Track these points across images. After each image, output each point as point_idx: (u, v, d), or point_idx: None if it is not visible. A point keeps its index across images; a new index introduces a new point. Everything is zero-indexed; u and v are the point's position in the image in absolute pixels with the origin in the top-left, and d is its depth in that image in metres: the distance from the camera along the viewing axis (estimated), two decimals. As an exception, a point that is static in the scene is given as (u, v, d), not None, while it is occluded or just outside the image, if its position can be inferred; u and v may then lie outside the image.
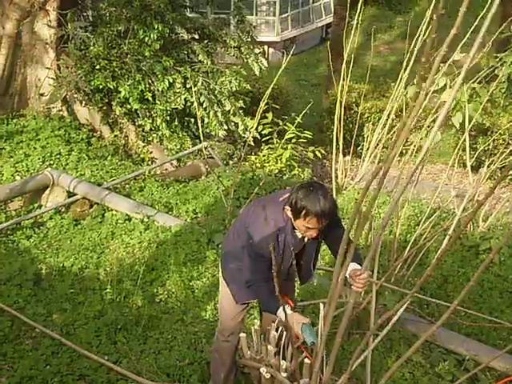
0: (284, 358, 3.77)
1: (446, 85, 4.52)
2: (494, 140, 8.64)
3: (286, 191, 3.69)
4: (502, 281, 6.39)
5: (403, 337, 5.21)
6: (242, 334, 3.92)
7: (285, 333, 3.76)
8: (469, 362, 4.82)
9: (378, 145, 8.49)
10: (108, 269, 6.10)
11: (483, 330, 5.55)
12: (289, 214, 3.46)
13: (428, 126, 5.46)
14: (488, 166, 7.05)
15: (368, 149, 9.13)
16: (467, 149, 5.58)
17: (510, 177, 8.67)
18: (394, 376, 4.68)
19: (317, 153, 9.18)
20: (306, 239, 3.64)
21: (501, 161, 6.31)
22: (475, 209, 2.75)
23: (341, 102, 6.54)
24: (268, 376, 3.67)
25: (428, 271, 2.65)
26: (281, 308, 3.52)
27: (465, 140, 5.40)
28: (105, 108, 9.19)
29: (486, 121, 9.05)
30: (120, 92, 8.54)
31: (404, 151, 5.36)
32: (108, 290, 5.56)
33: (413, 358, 4.88)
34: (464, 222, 6.77)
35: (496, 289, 6.23)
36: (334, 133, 5.53)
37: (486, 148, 8.46)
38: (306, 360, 3.62)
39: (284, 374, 3.63)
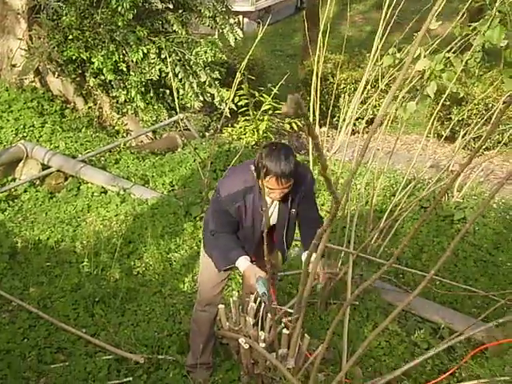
0: (262, 329, 3.80)
1: (420, 54, 4.51)
2: (468, 110, 8.69)
3: None
4: (477, 250, 6.48)
5: (379, 306, 5.27)
6: (221, 306, 3.93)
7: (263, 304, 3.78)
8: (444, 330, 4.90)
9: (353, 116, 8.48)
10: (85, 242, 6.06)
11: (458, 299, 5.64)
12: (254, 173, 3.44)
13: (403, 97, 5.46)
14: (463, 137, 7.10)
15: (344, 120, 9.12)
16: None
17: (484, 146, 8.73)
18: (371, 345, 4.74)
19: (293, 125, 9.15)
20: (275, 204, 3.62)
21: (475, 131, 6.33)
22: (452, 179, 2.77)
23: (317, 73, 6.48)
24: (247, 346, 3.70)
25: (405, 241, 2.68)
26: (240, 258, 3.59)
27: (439, 110, 5.42)
28: (78, 79, 9.05)
29: (461, 91, 9.06)
30: (93, 63, 8.40)
31: (380, 121, 5.35)
32: (85, 263, 5.53)
33: (389, 327, 4.95)
34: (440, 193, 6.84)
35: (470, 258, 6.32)
36: (311, 104, 5.49)
37: (461, 118, 8.50)
38: (285, 330, 3.65)
39: (262, 345, 3.66)
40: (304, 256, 3.78)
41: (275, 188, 3.36)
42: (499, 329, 4.79)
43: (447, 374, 4.29)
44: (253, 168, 3.43)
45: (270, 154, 3.30)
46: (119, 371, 4.34)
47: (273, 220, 3.75)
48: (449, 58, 4.89)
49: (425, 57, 4.67)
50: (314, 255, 3.53)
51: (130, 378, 4.25)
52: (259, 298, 3.73)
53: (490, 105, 8.96)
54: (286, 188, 3.40)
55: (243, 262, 3.60)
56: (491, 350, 4.48)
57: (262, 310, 3.83)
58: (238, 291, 4.56)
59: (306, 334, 3.73)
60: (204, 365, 4.25)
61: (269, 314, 3.71)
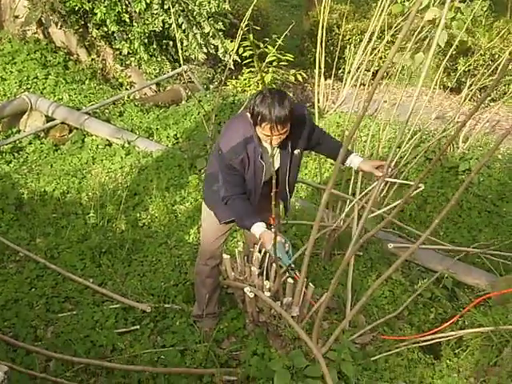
0: (267, 279, 3.84)
1: (429, 3, 4.45)
2: (474, 60, 8.60)
3: None
4: (481, 201, 6.50)
5: (383, 256, 5.31)
6: (226, 256, 3.97)
7: (268, 254, 3.81)
8: (447, 279, 4.94)
9: (359, 67, 8.42)
10: (90, 194, 6.09)
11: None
12: (250, 120, 3.38)
13: (411, 48, 5.40)
14: (469, 87, 7.05)
15: (349, 72, 9.05)
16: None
17: (489, 98, 8.67)
18: (375, 294, 4.79)
19: (298, 76, 9.07)
20: (275, 151, 3.55)
21: (481, 82, 6.28)
22: (458, 128, 2.77)
23: (322, 24, 6.42)
24: (252, 296, 3.75)
25: (404, 199, 2.68)
26: (255, 224, 3.51)
27: (446, 61, 5.35)
28: (81, 30, 8.94)
29: (469, 40, 8.97)
30: (96, 14, 8.29)
31: (386, 73, 5.32)
32: (91, 215, 5.56)
33: (392, 277, 5.00)
34: (445, 143, 6.82)
35: (475, 208, 6.34)
36: (317, 55, 5.44)
37: (467, 69, 8.43)
38: (290, 280, 3.69)
39: (267, 294, 3.71)
40: (352, 161, 3.84)
41: (271, 135, 3.26)
42: (502, 278, 4.85)
43: (450, 322, 4.34)
44: (249, 115, 3.36)
45: (263, 101, 3.23)
46: (126, 320, 4.41)
47: (276, 165, 3.67)
48: (459, 7, 4.82)
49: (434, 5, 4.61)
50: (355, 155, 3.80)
51: (138, 327, 4.32)
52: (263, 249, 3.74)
53: (497, 55, 8.84)
54: (282, 134, 3.35)
55: (258, 228, 3.52)
56: (494, 299, 4.53)
57: (266, 260, 3.87)
58: (243, 242, 4.59)
59: (310, 283, 3.77)
60: (210, 315, 4.31)
61: (273, 265, 3.75)
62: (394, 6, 4.82)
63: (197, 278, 4.28)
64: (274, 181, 3.12)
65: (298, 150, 3.63)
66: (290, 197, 3.91)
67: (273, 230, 3.48)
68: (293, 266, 3.56)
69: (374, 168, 3.74)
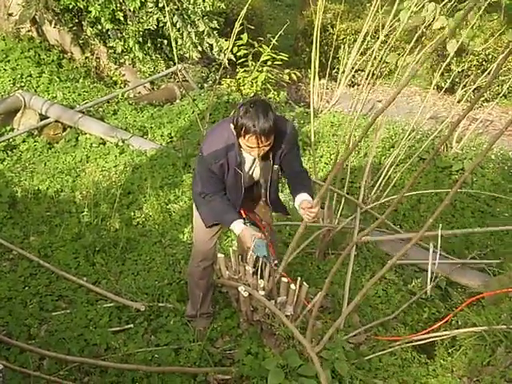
0: (261, 278, 3.84)
1: (435, 10, 4.47)
2: (468, 61, 8.62)
3: None
4: (474, 201, 6.52)
5: (377, 256, 5.32)
6: (220, 255, 3.97)
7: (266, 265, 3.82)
8: (441, 279, 4.95)
9: (353, 68, 8.43)
10: (84, 192, 6.08)
11: (455, 249, 5.69)
12: (234, 131, 3.38)
13: (403, 48, 5.42)
14: (462, 88, 7.06)
15: (343, 72, 9.06)
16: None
17: (483, 98, 8.69)
18: (369, 293, 4.80)
19: (292, 75, 9.07)
20: (256, 161, 3.55)
21: (476, 82, 6.30)
22: (452, 128, 2.78)
23: (317, 24, 6.39)
24: (246, 294, 3.75)
25: (397, 199, 2.69)
26: (235, 221, 3.58)
27: (439, 62, 5.36)
28: (75, 29, 8.93)
29: (472, 44, 8.98)
30: (90, 12, 8.27)
31: (380, 73, 5.33)
32: (85, 213, 5.55)
33: (386, 276, 5.01)
34: (439, 143, 6.85)
35: (468, 208, 6.36)
36: (313, 54, 5.44)
37: (461, 69, 8.44)
38: (284, 279, 3.69)
39: (262, 293, 3.71)
40: (298, 201, 3.58)
41: (255, 146, 3.29)
42: (495, 278, 4.87)
43: (443, 321, 4.36)
44: (232, 126, 3.35)
45: (247, 112, 3.22)
46: (120, 318, 4.40)
47: (255, 176, 3.73)
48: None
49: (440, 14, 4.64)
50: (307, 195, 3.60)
51: (132, 325, 4.32)
52: (260, 259, 3.76)
53: (490, 56, 8.87)
54: (266, 146, 3.34)
55: (238, 226, 3.59)
56: (487, 298, 4.54)
57: (260, 259, 3.87)
58: (237, 241, 4.59)
59: (304, 283, 3.78)
60: (204, 314, 4.31)
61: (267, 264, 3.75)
62: (402, 12, 4.81)
63: (190, 279, 4.28)
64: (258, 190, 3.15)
65: (277, 166, 3.62)
66: (273, 205, 3.91)
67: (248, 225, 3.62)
68: (275, 261, 3.65)
69: (301, 209, 3.49)
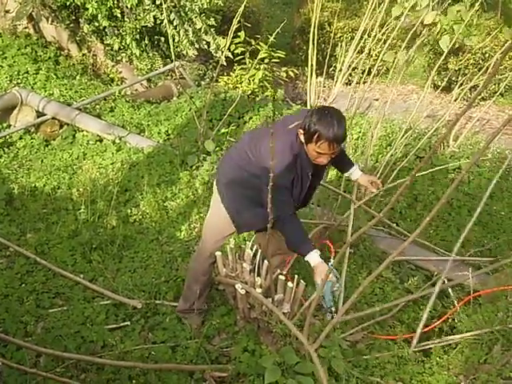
0: (259, 275, 3.84)
1: (428, 5, 4.47)
2: (465, 60, 8.63)
3: (292, 118, 3.57)
4: (471, 199, 6.53)
5: (374, 254, 5.33)
6: (218, 253, 3.97)
7: (259, 251, 3.82)
8: (437, 277, 4.96)
9: (350, 66, 8.43)
10: (81, 189, 6.07)
11: (451, 247, 5.69)
12: (302, 138, 3.39)
13: (405, 47, 5.43)
14: (459, 86, 7.07)
15: (340, 70, 9.06)
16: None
17: (480, 97, 8.70)
18: (365, 291, 4.81)
19: (290, 73, 9.07)
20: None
21: (472, 81, 6.30)
22: (450, 126, 2.78)
23: (314, 22, 6.40)
24: (243, 292, 3.75)
25: (395, 196, 2.68)
26: (311, 253, 3.48)
27: (436, 60, 5.36)
28: (72, 25, 8.91)
29: (467, 41, 8.98)
30: (87, 9, 8.26)
31: (376, 71, 5.33)
32: (82, 210, 5.55)
33: (383, 274, 5.02)
34: (436, 142, 6.84)
35: (464, 207, 6.37)
36: (310, 52, 5.43)
37: (458, 68, 8.45)
38: (281, 277, 3.70)
39: (259, 290, 3.71)
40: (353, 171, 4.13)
41: (326, 153, 3.34)
42: (492, 276, 4.88)
43: (440, 321, 4.36)
44: (302, 132, 3.36)
45: (321, 119, 3.26)
46: (117, 316, 4.40)
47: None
48: (459, 10, 4.83)
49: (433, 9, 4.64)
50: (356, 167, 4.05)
51: (128, 323, 4.32)
52: (255, 245, 3.74)
53: (487, 54, 8.87)
54: (335, 152, 3.39)
55: (314, 258, 3.48)
56: (484, 296, 4.55)
57: (258, 256, 3.87)
58: (235, 239, 4.58)
59: (301, 281, 3.78)
60: (198, 310, 4.31)
61: (265, 262, 3.76)
62: (394, 8, 4.81)
63: (191, 273, 4.28)
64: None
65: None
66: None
67: (329, 263, 3.48)
68: (333, 309, 3.56)
69: (370, 183, 4.04)
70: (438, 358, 4.10)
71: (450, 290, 4.89)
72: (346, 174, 4.18)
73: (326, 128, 3.24)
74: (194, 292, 4.23)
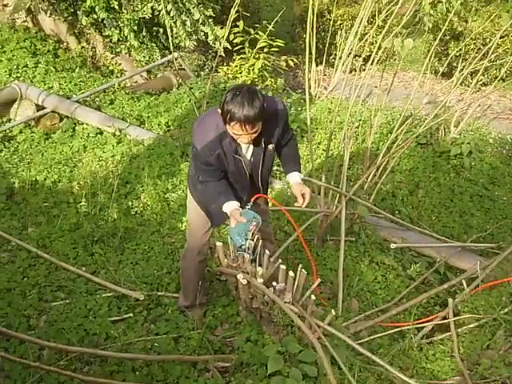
0: (260, 265, 3.84)
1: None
2: (465, 45, 8.58)
3: None
4: (473, 185, 6.52)
5: (375, 242, 5.32)
6: (219, 243, 3.96)
7: (260, 241, 3.81)
8: (440, 264, 4.96)
9: (350, 53, 8.39)
10: (82, 182, 6.07)
11: (454, 233, 5.69)
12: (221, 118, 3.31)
13: (400, 33, 5.40)
14: (460, 71, 7.03)
15: (340, 58, 9.03)
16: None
17: (480, 82, 8.66)
18: (368, 279, 4.81)
19: (289, 62, 9.04)
20: (248, 146, 3.53)
21: (472, 66, 6.26)
22: (450, 115, 2.76)
23: (313, 9, 6.36)
24: (245, 282, 3.74)
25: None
26: (227, 203, 3.55)
27: (436, 46, 5.32)
28: (70, 18, 8.87)
29: (460, 26, 8.96)
30: (85, 1, 8.22)
31: (374, 58, 5.30)
32: (83, 203, 5.54)
33: (385, 262, 5.01)
34: (437, 129, 6.84)
35: (466, 193, 6.36)
36: (307, 41, 5.40)
37: (458, 53, 8.41)
38: (282, 266, 3.69)
39: (260, 280, 3.70)
40: (290, 180, 3.83)
41: (240, 133, 3.25)
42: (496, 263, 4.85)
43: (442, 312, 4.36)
44: (219, 112, 3.28)
45: (232, 99, 3.16)
46: (120, 308, 4.40)
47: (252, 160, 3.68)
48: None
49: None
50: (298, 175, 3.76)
51: (131, 315, 4.32)
52: (256, 236, 3.74)
53: (488, 39, 8.83)
54: (252, 133, 3.28)
55: (229, 206, 3.56)
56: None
57: (259, 247, 3.87)
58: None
59: (303, 269, 3.77)
60: (199, 304, 4.31)
61: (266, 251, 3.75)
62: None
63: (184, 274, 4.29)
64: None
65: (272, 145, 3.59)
66: (265, 192, 3.95)
67: (247, 207, 3.60)
68: (243, 247, 3.62)
69: (300, 194, 3.71)
70: (441, 345, 4.10)
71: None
72: (286, 176, 3.93)
73: (235, 108, 3.13)
74: (191, 290, 4.25)
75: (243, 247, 3.62)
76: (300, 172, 3.85)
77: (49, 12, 8.80)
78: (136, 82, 9.26)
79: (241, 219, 3.51)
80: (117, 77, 9.09)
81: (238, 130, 3.21)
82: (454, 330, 3.98)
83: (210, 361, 3.81)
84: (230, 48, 8.51)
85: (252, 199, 3.75)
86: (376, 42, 8.73)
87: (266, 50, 8.61)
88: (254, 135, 3.32)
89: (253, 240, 3.74)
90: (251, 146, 3.54)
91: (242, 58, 8.87)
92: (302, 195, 3.70)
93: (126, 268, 4.88)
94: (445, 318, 4.19)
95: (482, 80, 8.52)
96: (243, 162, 3.55)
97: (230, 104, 3.16)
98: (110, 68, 9.30)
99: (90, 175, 6.15)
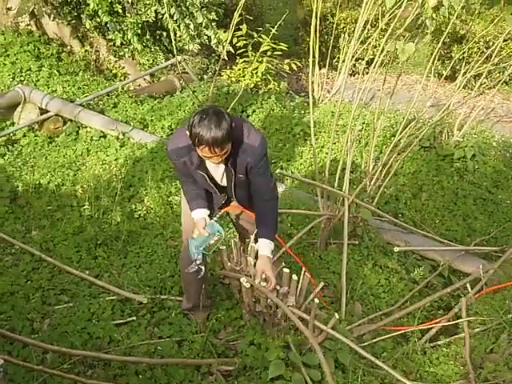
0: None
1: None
2: (468, 48, 8.58)
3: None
4: (476, 188, 6.51)
5: (378, 245, 5.31)
6: (222, 247, 3.97)
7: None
8: (443, 267, 4.95)
9: (353, 57, 8.39)
10: (85, 186, 6.06)
11: (457, 237, 5.69)
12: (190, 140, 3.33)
13: (402, 36, 5.40)
14: (463, 75, 7.03)
15: (344, 61, 9.03)
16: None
17: (484, 85, 8.66)
18: (371, 283, 4.81)
19: (293, 65, 9.04)
20: (219, 165, 3.50)
21: (476, 69, 6.26)
22: (454, 119, 2.76)
23: (316, 13, 6.38)
24: (248, 285, 3.75)
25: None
26: (196, 210, 3.66)
27: (439, 49, 5.32)
28: (74, 22, 8.89)
29: (462, 29, 8.96)
30: (89, 4, 8.24)
31: (377, 61, 5.30)
32: (86, 207, 5.54)
33: (389, 265, 5.01)
34: (440, 132, 6.83)
35: (470, 196, 6.35)
36: (310, 44, 5.40)
37: (461, 56, 8.41)
38: (285, 270, 3.69)
39: (263, 284, 3.70)
40: (260, 244, 3.71)
41: (210, 155, 3.26)
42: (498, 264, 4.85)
43: (449, 315, 4.36)
44: (188, 134, 3.28)
45: (200, 122, 3.17)
46: (123, 311, 4.40)
47: (224, 181, 3.70)
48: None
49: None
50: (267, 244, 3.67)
51: (134, 318, 4.32)
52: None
53: (491, 42, 8.82)
54: (222, 154, 3.28)
55: (196, 214, 3.67)
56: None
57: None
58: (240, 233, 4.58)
59: (306, 273, 3.77)
60: (201, 307, 4.29)
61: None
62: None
63: (184, 278, 4.25)
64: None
65: (242, 176, 3.57)
66: (246, 208, 3.94)
67: (213, 219, 3.67)
68: (198, 262, 3.62)
69: (260, 273, 3.66)
70: (444, 349, 4.09)
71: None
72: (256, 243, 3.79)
73: (203, 131, 3.14)
74: (192, 292, 4.23)
75: (197, 261, 3.62)
76: (273, 240, 3.72)
77: (52, 15, 8.82)
78: (139, 85, 9.26)
79: (203, 232, 3.57)
80: (120, 80, 9.10)
81: (207, 152, 3.23)
82: (466, 329, 3.97)
83: (213, 364, 3.81)
84: (233, 51, 8.52)
85: (222, 211, 3.85)
86: (379, 45, 8.76)
87: (269, 53, 8.62)
88: (224, 156, 3.33)
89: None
90: (222, 165, 3.53)
91: (245, 61, 8.88)
92: (266, 279, 3.64)
93: (129, 271, 4.88)
94: (448, 321, 4.19)
95: (485, 83, 8.51)
96: (207, 178, 3.60)
97: (197, 127, 3.17)
98: (114, 71, 9.31)
99: (94, 178, 6.15)
